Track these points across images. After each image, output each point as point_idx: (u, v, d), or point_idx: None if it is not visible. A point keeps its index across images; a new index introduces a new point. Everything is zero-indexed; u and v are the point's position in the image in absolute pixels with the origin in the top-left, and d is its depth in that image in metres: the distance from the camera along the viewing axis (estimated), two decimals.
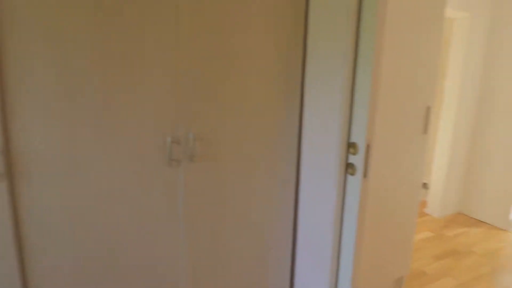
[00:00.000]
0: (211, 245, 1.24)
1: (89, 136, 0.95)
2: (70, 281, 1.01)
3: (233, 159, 1.20)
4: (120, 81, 0.96)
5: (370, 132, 0.99)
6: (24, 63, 0.83)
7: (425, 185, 3.15)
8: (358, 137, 1.01)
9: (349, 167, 1.06)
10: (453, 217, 2.81)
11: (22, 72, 0.84)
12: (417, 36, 1.34)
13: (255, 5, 1.12)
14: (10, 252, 0.89)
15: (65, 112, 0.90)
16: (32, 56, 0.84)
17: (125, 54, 0.95)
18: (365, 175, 1.00)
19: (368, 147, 0.99)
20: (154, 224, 1.10)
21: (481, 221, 2.71)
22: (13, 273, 0.91)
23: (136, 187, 1.04)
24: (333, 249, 1.15)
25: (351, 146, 1.04)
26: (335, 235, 1.14)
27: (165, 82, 1.02)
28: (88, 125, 0.94)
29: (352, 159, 1.04)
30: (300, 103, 1.30)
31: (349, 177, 1.06)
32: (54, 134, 0.90)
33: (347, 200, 1.08)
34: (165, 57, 1.01)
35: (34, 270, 0.95)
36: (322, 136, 1.14)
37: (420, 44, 1.36)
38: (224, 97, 1.14)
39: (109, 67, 0.93)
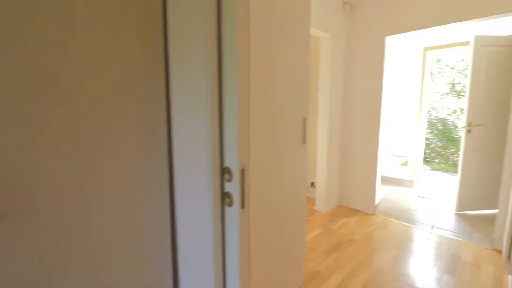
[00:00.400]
0: None
1: None
2: None
3: (69, 204, 0.82)
4: None
5: (244, 154, 0.81)
6: None
7: (312, 184, 3.39)
8: (231, 161, 0.82)
9: (226, 197, 0.85)
10: (336, 210, 3.10)
11: None
12: (289, 53, 1.29)
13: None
14: None
15: None
16: None
17: None
18: (242, 205, 0.82)
19: (243, 172, 0.81)
20: None
21: (356, 210, 3.08)
22: None
23: None
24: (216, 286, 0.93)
25: (226, 172, 0.84)
26: (217, 273, 0.91)
27: None
28: None
29: (229, 187, 0.84)
30: (168, 126, 1.03)
31: (227, 209, 0.86)
32: None
33: (228, 234, 0.88)
34: None
35: None
36: (194, 162, 0.90)
37: (292, 60, 1.32)
38: (45, 109, 0.76)
39: None
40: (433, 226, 2.70)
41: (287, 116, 1.32)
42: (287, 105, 1.32)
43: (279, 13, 1.19)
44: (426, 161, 6.09)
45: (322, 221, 2.78)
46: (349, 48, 3.07)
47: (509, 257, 1.79)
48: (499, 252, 2.21)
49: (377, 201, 2.99)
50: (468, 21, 2.32)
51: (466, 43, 3.15)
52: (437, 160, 6.41)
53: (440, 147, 6.34)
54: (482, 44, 2.80)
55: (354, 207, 3.12)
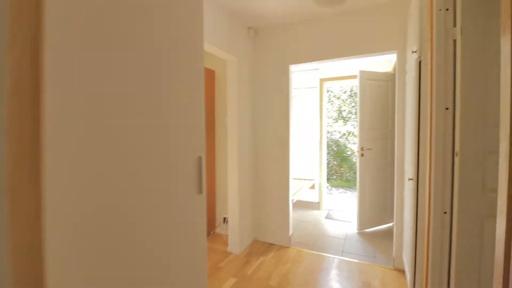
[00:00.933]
0: None
1: None
2: None
3: None
4: None
5: None
6: None
7: (225, 220, 2.95)
8: None
9: None
10: (251, 247, 2.72)
11: None
12: (177, 80, 0.86)
13: None
14: None
15: None
16: None
17: None
18: None
19: None
20: None
21: (272, 244, 2.78)
22: None
23: None
24: None
25: None
26: None
27: None
28: None
29: None
30: None
31: None
32: None
33: None
34: None
35: None
36: None
37: (178, 85, 0.89)
38: None
39: None
40: (342, 251, 2.64)
41: (168, 161, 0.85)
42: (171, 143, 0.85)
43: (155, 27, 0.76)
44: (327, 178, 6.62)
45: (236, 267, 2.33)
46: (256, 73, 2.90)
47: (414, 285, 1.76)
48: (400, 271, 2.25)
49: (291, 231, 2.78)
50: (352, 57, 2.47)
51: (355, 76, 3.48)
52: (334, 177, 7.08)
53: (336, 166, 7.05)
54: (365, 78, 3.10)
55: (270, 240, 2.81)
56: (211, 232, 3.00)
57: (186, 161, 0.94)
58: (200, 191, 1.01)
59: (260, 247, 2.71)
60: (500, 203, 0.72)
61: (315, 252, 2.61)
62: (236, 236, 2.60)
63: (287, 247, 2.71)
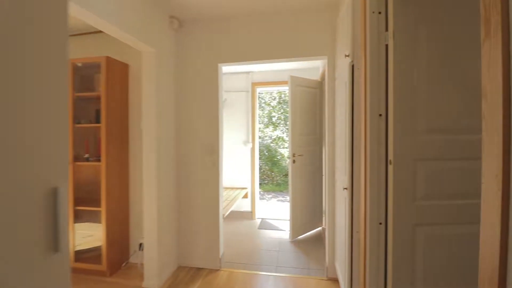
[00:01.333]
0: None
1: None
2: None
3: None
4: None
5: None
6: None
7: (141, 246, 2.39)
8: None
9: None
10: (174, 277, 2.25)
11: None
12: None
13: None
14: None
15: None
16: None
17: None
18: None
19: None
20: None
21: (200, 268, 2.37)
22: None
23: None
24: None
25: None
26: None
27: None
28: None
29: None
30: None
31: None
32: None
33: None
34: None
35: None
36: None
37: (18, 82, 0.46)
38: None
39: None
40: (276, 266, 2.45)
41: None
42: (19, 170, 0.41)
43: None
44: (259, 183, 6.54)
45: None
46: (181, 70, 2.47)
47: None
48: (334, 280, 2.18)
49: (221, 251, 2.43)
50: (283, 60, 2.34)
51: (286, 82, 3.41)
52: (266, 182, 7.08)
53: (268, 170, 7.06)
54: (296, 83, 3.04)
55: (197, 265, 2.40)
56: (123, 264, 2.38)
57: (23, 199, 0.50)
58: (55, 247, 0.57)
59: (186, 275, 2.27)
60: (485, 231, 0.56)
61: (248, 272, 2.33)
62: (154, 266, 2.10)
63: (218, 270, 2.35)
